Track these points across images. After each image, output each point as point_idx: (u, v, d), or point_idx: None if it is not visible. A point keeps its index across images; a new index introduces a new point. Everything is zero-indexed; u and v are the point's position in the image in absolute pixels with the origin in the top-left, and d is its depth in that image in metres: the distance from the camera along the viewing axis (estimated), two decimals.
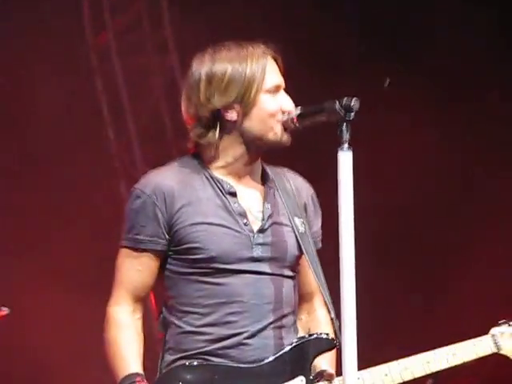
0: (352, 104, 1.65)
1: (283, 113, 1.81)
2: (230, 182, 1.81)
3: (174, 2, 5.73)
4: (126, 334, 1.74)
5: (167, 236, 1.77)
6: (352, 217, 1.59)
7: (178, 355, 1.74)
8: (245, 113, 1.79)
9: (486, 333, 1.93)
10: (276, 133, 1.82)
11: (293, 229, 1.84)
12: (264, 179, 1.89)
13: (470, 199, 5.67)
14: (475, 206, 5.63)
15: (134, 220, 1.77)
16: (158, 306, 1.98)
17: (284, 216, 1.85)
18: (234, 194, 1.81)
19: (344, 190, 1.60)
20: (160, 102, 5.68)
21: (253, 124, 1.80)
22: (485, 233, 5.45)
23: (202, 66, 1.79)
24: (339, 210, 1.61)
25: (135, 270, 1.76)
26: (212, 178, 1.80)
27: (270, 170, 1.92)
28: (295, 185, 1.91)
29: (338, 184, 1.61)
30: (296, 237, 1.83)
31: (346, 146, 1.64)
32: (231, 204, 1.79)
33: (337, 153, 1.64)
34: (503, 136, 5.54)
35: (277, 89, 1.84)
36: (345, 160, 1.62)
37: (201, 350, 1.74)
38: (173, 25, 5.70)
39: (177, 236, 1.76)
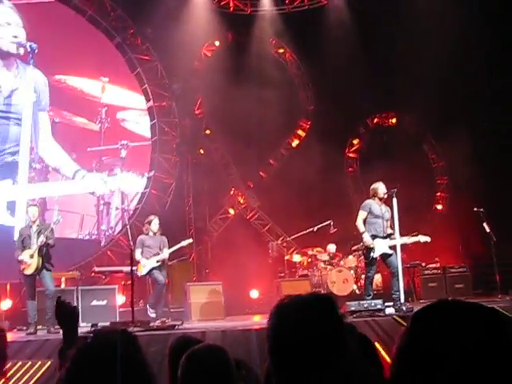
0: (394, 191, 8.37)
1: (384, 193, 8.58)
2: (378, 204, 8.61)
3: None
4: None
5: (369, 209, 8.56)
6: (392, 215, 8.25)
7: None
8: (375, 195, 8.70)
9: None
10: (382, 197, 8.63)
11: (391, 213, 8.54)
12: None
13: None
14: None
15: (363, 204, 8.78)
16: None
17: (388, 211, 8.56)
18: (380, 206, 8.62)
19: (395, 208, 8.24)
20: None
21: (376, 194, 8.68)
22: None
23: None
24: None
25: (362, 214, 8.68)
26: (378, 203, 8.56)
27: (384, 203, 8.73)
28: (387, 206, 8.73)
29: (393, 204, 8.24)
30: (391, 214, 8.53)
31: (394, 195, 8.25)
32: (381, 209, 8.57)
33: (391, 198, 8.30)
34: None
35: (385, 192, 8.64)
36: (394, 199, 8.21)
37: (374, 232, 8.54)
38: None
39: (370, 210, 8.58)
